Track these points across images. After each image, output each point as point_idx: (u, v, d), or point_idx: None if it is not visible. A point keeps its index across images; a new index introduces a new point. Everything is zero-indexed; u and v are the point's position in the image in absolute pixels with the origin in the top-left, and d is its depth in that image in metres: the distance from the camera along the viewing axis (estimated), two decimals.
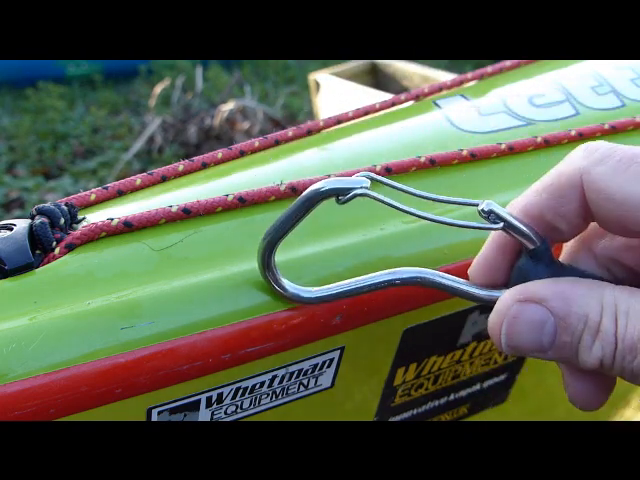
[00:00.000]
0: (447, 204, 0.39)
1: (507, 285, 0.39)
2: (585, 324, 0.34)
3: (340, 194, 0.36)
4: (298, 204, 0.37)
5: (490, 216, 0.38)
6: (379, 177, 0.39)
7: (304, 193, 0.37)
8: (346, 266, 0.44)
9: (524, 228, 0.37)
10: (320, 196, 0.36)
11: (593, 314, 0.34)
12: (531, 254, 0.38)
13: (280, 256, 0.43)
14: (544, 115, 0.59)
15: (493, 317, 0.37)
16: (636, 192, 0.33)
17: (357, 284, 0.40)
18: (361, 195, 0.36)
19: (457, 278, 0.40)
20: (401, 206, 0.38)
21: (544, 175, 0.38)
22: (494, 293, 0.40)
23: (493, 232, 0.40)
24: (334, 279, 0.43)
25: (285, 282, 0.40)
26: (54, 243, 0.40)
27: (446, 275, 0.40)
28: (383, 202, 0.37)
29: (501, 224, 0.37)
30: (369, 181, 0.37)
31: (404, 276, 0.40)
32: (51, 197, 2.62)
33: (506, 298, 0.37)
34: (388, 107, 0.60)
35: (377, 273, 0.40)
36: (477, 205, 0.38)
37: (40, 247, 0.40)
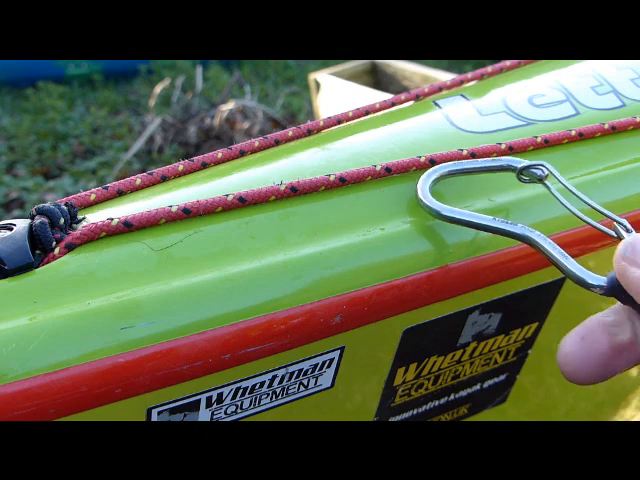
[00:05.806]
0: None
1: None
2: None
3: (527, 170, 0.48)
4: (490, 160, 0.49)
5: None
6: (557, 174, 0.47)
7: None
8: (346, 266, 0.44)
9: None
10: (508, 164, 0.49)
11: None
12: None
13: (279, 256, 0.43)
14: (544, 115, 0.59)
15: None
16: None
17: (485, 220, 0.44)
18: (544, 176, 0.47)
19: (564, 252, 0.42)
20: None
21: None
22: (593, 279, 0.40)
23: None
24: (334, 279, 0.43)
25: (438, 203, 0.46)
26: (54, 243, 0.40)
27: (555, 245, 0.42)
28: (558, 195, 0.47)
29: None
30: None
31: (516, 231, 0.44)
32: (51, 197, 2.62)
33: None
34: (388, 107, 0.60)
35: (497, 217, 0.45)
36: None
37: (40, 247, 0.40)
